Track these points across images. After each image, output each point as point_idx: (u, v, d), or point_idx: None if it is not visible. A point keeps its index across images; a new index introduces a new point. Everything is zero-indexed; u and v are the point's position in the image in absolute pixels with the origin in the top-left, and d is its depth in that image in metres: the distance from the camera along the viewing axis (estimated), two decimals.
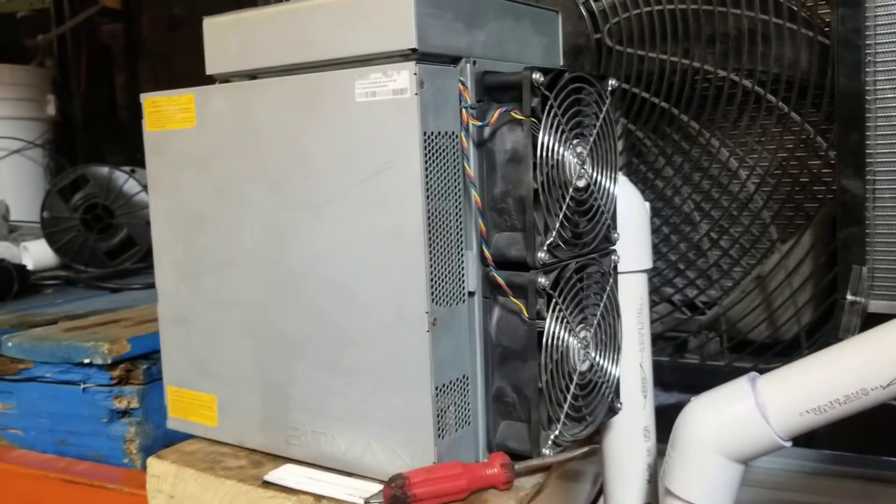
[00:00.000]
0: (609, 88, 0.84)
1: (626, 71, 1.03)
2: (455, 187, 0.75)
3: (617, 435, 0.90)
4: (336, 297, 0.77)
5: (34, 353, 1.06)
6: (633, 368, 0.90)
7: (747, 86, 0.97)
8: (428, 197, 0.71)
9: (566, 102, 0.77)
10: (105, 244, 1.75)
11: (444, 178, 0.73)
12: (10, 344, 1.08)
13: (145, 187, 1.79)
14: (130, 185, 1.77)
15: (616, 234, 0.86)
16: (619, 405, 0.87)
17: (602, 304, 0.83)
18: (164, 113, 0.88)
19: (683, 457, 0.81)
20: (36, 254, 1.77)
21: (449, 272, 0.74)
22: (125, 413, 1.01)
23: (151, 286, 1.51)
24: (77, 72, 2.72)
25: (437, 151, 0.72)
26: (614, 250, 0.86)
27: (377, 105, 0.73)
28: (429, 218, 0.71)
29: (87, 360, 1.01)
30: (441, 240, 0.73)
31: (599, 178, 0.83)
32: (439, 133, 0.73)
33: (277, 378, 0.82)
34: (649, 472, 0.91)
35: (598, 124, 0.82)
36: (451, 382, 0.74)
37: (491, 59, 0.79)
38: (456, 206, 0.75)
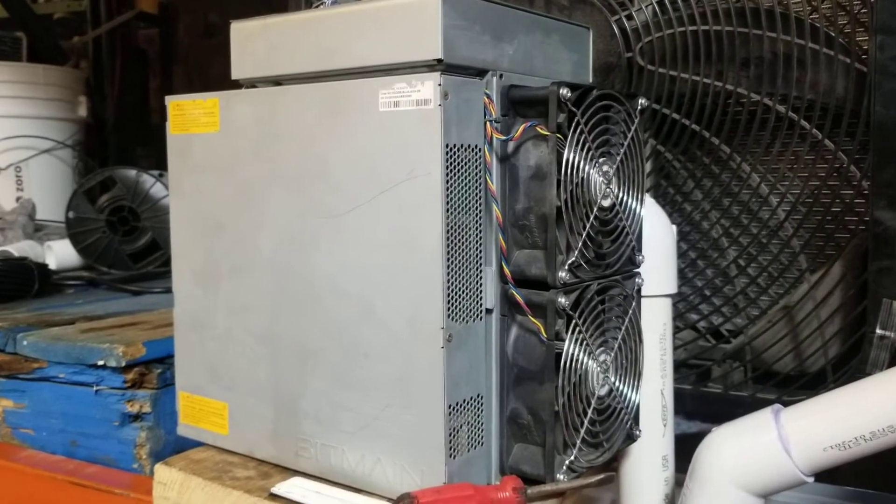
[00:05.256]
0: (638, 107, 0.82)
1: (657, 91, 1.01)
2: (476, 201, 0.73)
3: (634, 463, 0.88)
4: (352, 309, 0.75)
5: (49, 352, 1.06)
6: (653, 395, 0.88)
7: (781, 111, 0.95)
8: (448, 210, 0.70)
9: (593, 120, 0.76)
10: (129, 247, 1.76)
11: (466, 191, 0.72)
12: (25, 342, 1.08)
13: None
14: (157, 189, 1.78)
15: (641, 257, 0.84)
16: (637, 432, 0.84)
17: (623, 328, 0.81)
18: (189, 116, 0.88)
19: (701, 489, 0.78)
20: (59, 253, 1.78)
21: (466, 288, 0.73)
22: (137, 417, 1.00)
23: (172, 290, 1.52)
24: (111, 75, 2.75)
25: (459, 164, 0.71)
26: (638, 273, 0.84)
27: (400, 115, 0.72)
28: (448, 231, 0.70)
29: (100, 362, 1.01)
30: (460, 254, 0.72)
31: (625, 198, 0.81)
32: (462, 146, 0.71)
33: (289, 389, 0.80)
34: (666, 501, 0.88)
35: (625, 143, 0.80)
36: (464, 401, 0.72)
37: (518, 74, 0.78)
38: (476, 221, 0.73)
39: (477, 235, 0.73)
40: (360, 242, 0.75)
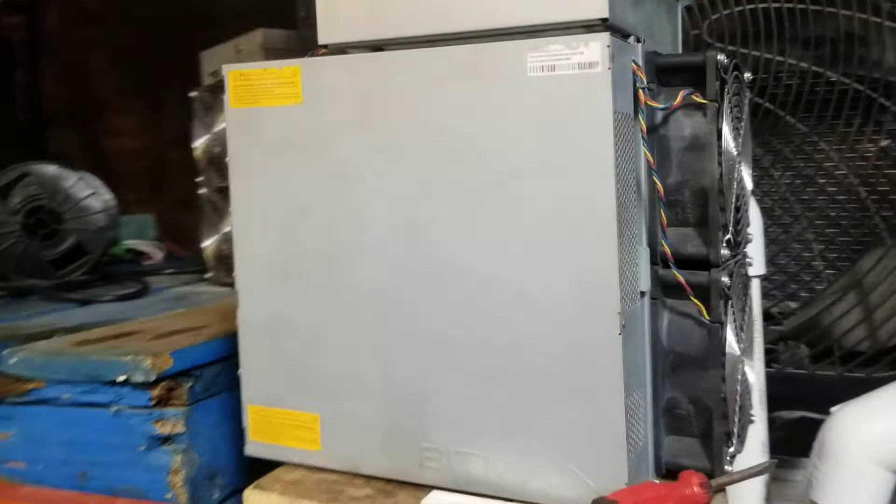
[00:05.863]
0: (747, 81, 0.80)
1: None
2: (630, 175, 0.67)
3: None
4: (499, 296, 0.67)
5: (47, 370, 0.89)
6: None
7: (859, 89, 0.95)
8: (617, 183, 0.64)
9: (732, 89, 0.72)
10: (49, 252, 1.55)
11: (623, 164, 0.66)
12: (13, 360, 0.90)
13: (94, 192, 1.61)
14: (79, 187, 1.58)
15: (750, 236, 0.81)
16: (752, 418, 0.81)
17: (747, 309, 0.78)
18: (257, 87, 0.76)
19: (836, 469, 0.76)
20: None
21: (629, 269, 0.66)
22: (167, 439, 0.86)
23: (127, 298, 1.35)
24: None
25: (618, 134, 0.65)
26: (746, 252, 0.81)
27: (556, 80, 0.65)
28: (618, 207, 0.64)
29: (121, 378, 0.86)
30: (623, 233, 0.65)
31: (744, 173, 0.78)
32: (621, 114, 0.65)
33: (411, 390, 0.71)
34: (767, 489, 0.86)
35: (744, 116, 0.77)
36: (634, 392, 0.66)
37: (649, 40, 0.73)
38: (631, 196, 0.67)
39: (632, 211, 0.68)
40: (504, 222, 0.67)
